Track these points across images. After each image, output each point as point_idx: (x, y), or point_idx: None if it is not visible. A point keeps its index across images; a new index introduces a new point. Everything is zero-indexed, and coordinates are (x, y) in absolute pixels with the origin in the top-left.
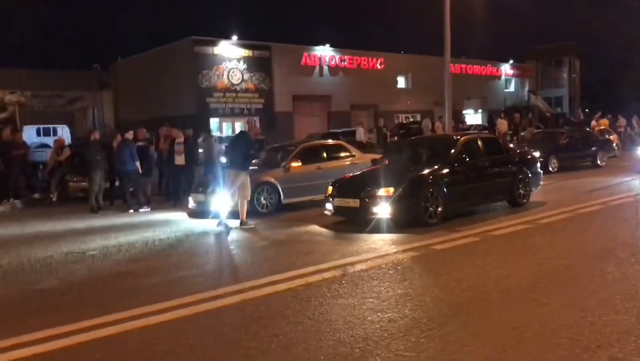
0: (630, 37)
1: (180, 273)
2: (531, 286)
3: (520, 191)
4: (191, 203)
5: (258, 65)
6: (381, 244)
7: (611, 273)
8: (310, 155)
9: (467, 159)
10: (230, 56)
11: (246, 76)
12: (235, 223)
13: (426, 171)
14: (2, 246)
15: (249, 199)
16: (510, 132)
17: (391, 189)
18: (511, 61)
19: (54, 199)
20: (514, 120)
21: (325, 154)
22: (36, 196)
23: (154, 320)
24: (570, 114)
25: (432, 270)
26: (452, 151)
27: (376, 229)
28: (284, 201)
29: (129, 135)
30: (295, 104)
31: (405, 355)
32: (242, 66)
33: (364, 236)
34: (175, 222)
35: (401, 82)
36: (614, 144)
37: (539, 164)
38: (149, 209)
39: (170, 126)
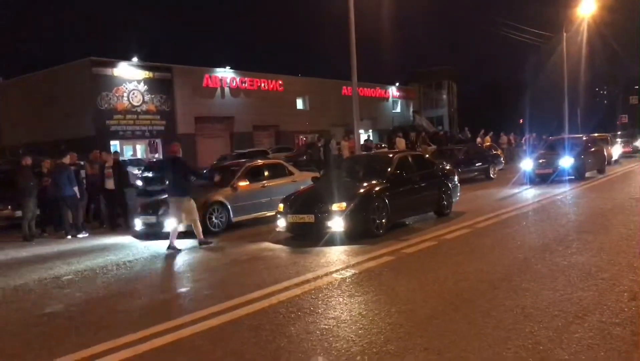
0: (497, 63)
1: (164, 296)
2: (504, 277)
3: (444, 202)
4: (139, 226)
5: (159, 86)
6: (341, 255)
7: (560, 262)
8: (254, 174)
9: (403, 174)
10: (130, 77)
11: (147, 98)
12: (189, 243)
13: (371, 186)
14: None
15: (198, 219)
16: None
17: (344, 204)
18: (397, 84)
19: None
20: (410, 138)
21: (267, 173)
22: None
23: (167, 339)
24: (459, 132)
25: (406, 273)
26: (390, 167)
27: (331, 242)
28: (233, 219)
29: (66, 160)
30: (197, 126)
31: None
32: (142, 87)
33: (323, 249)
34: (127, 245)
35: (299, 103)
36: (501, 158)
37: (457, 177)
38: (87, 234)
39: (66, 149)
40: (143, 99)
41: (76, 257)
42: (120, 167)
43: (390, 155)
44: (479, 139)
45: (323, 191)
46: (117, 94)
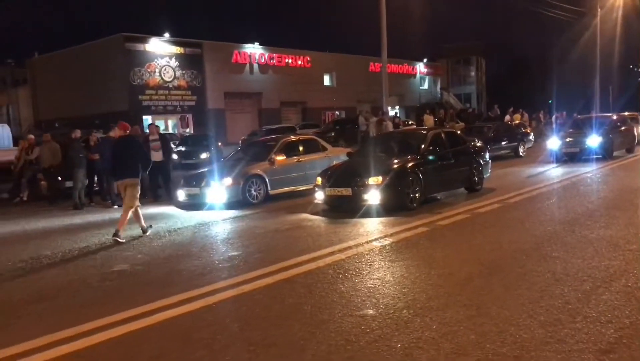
0: (526, 40)
1: (218, 257)
2: (535, 247)
3: (476, 178)
4: (182, 197)
5: (190, 62)
6: (379, 226)
7: (588, 235)
8: (289, 149)
9: (436, 151)
10: (162, 53)
11: (178, 73)
12: (233, 213)
13: (406, 162)
14: (46, 237)
15: (134, 208)
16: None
17: (380, 178)
18: (425, 60)
19: (24, 198)
20: (439, 115)
21: (302, 148)
22: (5, 195)
23: (229, 294)
24: (489, 110)
25: (442, 242)
26: (424, 144)
27: (367, 214)
28: (270, 191)
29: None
30: (226, 101)
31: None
32: (174, 63)
33: (360, 220)
34: (172, 215)
35: (327, 79)
36: (531, 137)
37: (488, 154)
38: None
39: (101, 124)
40: (174, 74)
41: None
42: (165, 140)
43: (424, 132)
44: (507, 117)
45: (359, 166)
46: (149, 70)
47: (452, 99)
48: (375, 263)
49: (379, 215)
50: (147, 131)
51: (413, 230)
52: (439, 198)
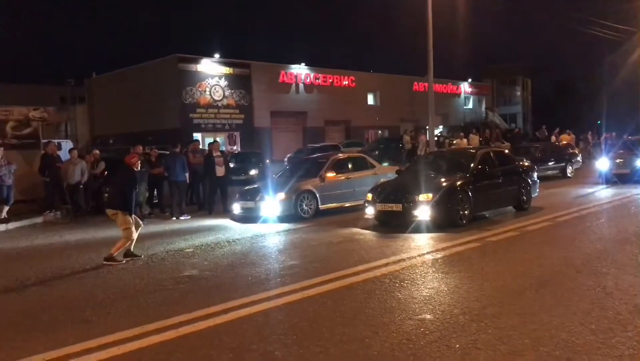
0: (573, 60)
1: (279, 265)
2: (586, 263)
3: (524, 197)
4: (237, 210)
5: (238, 82)
6: (429, 241)
7: (638, 253)
8: (339, 166)
9: (485, 169)
10: (212, 73)
11: (227, 93)
12: (285, 226)
13: (456, 180)
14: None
15: (132, 240)
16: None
17: (430, 195)
18: (469, 80)
19: (89, 210)
20: (484, 135)
21: (351, 165)
22: (69, 208)
23: (295, 297)
24: (537, 130)
25: (493, 256)
26: (473, 162)
27: (417, 230)
28: (321, 207)
29: (178, 149)
30: (273, 120)
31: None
32: (223, 82)
33: (411, 235)
34: (230, 227)
35: (370, 99)
36: (579, 157)
37: (536, 174)
38: (189, 217)
39: (154, 140)
40: (224, 93)
41: (189, 234)
42: (225, 156)
43: (474, 150)
44: (553, 137)
45: (409, 183)
46: (200, 89)
47: (497, 119)
48: (429, 274)
49: (428, 231)
50: (209, 147)
51: (464, 245)
52: (487, 216)
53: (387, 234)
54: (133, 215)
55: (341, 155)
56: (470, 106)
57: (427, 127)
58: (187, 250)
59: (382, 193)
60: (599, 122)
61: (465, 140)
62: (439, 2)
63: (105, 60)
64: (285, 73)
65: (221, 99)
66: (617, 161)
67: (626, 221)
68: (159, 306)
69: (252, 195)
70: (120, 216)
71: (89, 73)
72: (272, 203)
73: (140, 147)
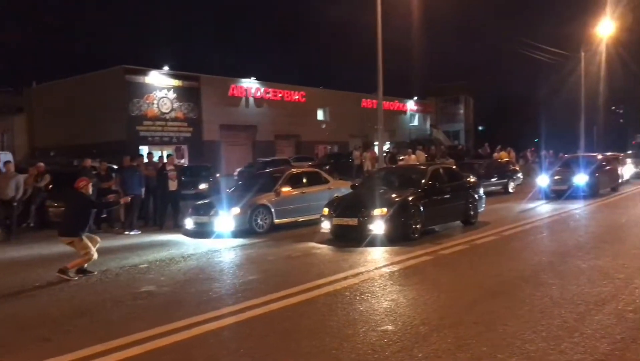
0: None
1: (239, 280)
2: (533, 275)
3: (472, 212)
4: (190, 225)
5: (187, 95)
6: (385, 254)
7: (580, 265)
8: (294, 181)
9: (436, 185)
10: (160, 85)
11: (175, 105)
12: (240, 241)
13: (408, 195)
14: (64, 261)
15: (90, 255)
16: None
17: (385, 210)
18: (415, 98)
19: (32, 224)
20: (430, 151)
21: (306, 180)
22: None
23: (259, 311)
24: (480, 148)
25: (446, 269)
26: (424, 178)
27: (372, 244)
28: (276, 221)
29: (137, 162)
30: (222, 133)
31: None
32: (171, 95)
33: (367, 249)
34: (182, 242)
35: (320, 114)
36: (519, 174)
37: (482, 190)
38: (139, 232)
39: (99, 152)
40: (172, 106)
41: (142, 250)
42: (179, 170)
43: (424, 166)
44: (495, 154)
45: (364, 198)
46: (147, 101)
47: (442, 136)
48: (387, 286)
49: (383, 245)
50: (165, 160)
51: (418, 258)
52: (436, 230)
53: (344, 248)
54: (86, 233)
55: (296, 170)
56: (415, 123)
57: (376, 143)
58: (142, 266)
59: (338, 207)
60: (536, 140)
61: (413, 156)
62: (387, 22)
63: (47, 69)
64: (235, 87)
65: (169, 112)
66: (556, 177)
67: (566, 235)
68: (119, 322)
69: (206, 210)
70: (77, 242)
71: (29, 82)
72: (226, 218)
73: (89, 161)
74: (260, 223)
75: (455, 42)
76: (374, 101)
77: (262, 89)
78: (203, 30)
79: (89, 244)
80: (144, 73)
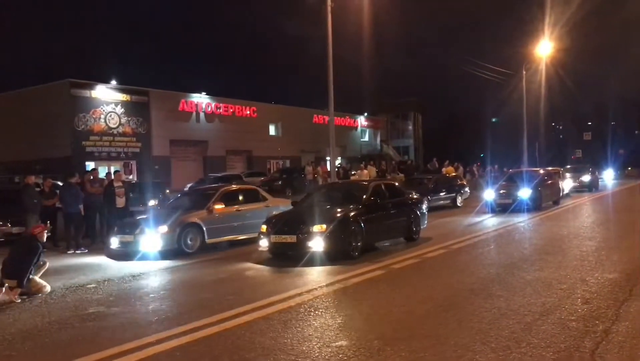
0: (461, 97)
1: (192, 298)
2: (482, 287)
3: (414, 228)
4: (115, 244)
5: (136, 109)
6: (321, 275)
7: (526, 276)
8: (229, 198)
9: (377, 201)
10: (108, 100)
11: (124, 120)
12: (173, 263)
13: (349, 211)
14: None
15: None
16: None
17: (324, 226)
18: (365, 114)
19: None
20: (381, 167)
21: (242, 197)
22: None
23: (214, 330)
24: (428, 163)
25: (395, 284)
26: (365, 194)
27: (311, 262)
28: (208, 240)
29: (75, 179)
30: (172, 148)
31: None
32: (119, 109)
33: (305, 269)
34: (101, 266)
35: (272, 129)
36: (467, 188)
37: (425, 205)
38: (86, 250)
39: (42, 168)
40: (120, 121)
41: (87, 269)
42: (127, 186)
43: (366, 183)
44: (443, 169)
45: (304, 214)
46: (94, 116)
47: (392, 151)
48: (341, 302)
49: (322, 263)
50: (112, 177)
51: (364, 275)
52: (377, 247)
53: (282, 267)
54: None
55: (232, 187)
56: (366, 138)
57: (328, 158)
58: (89, 286)
59: (277, 224)
60: (482, 155)
61: (365, 171)
62: (339, 38)
63: None
64: (186, 102)
65: (117, 127)
66: (501, 191)
67: (512, 247)
68: (67, 345)
69: (132, 228)
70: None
71: None
72: (153, 237)
73: (32, 178)
74: (190, 242)
75: (405, 60)
76: (326, 116)
77: (213, 104)
78: (153, 45)
79: (38, 280)
80: (90, 87)
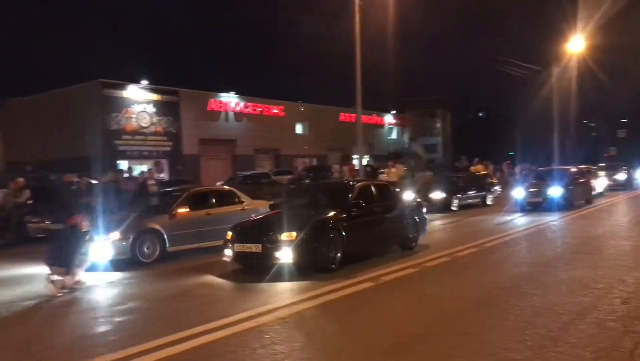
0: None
1: (156, 314)
2: (515, 286)
3: (410, 235)
4: None
5: (166, 109)
6: (287, 292)
7: (560, 275)
8: (198, 201)
9: (363, 205)
10: (139, 100)
11: (155, 119)
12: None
13: (326, 216)
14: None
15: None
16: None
17: (294, 234)
18: (393, 111)
19: (11, 240)
20: (409, 165)
21: (214, 200)
22: None
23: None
24: (457, 160)
25: (359, 307)
26: (350, 196)
27: (278, 277)
28: (169, 248)
29: (109, 177)
30: (201, 147)
31: None
32: (151, 109)
33: (266, 286)
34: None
35: (299, 128)
36: (497, 187)
37: (425, 210)
38: None
39: (73, 168)
40: (151, 120)
41: (23, 281)
42: (159, 184)
43: (351, 183)
44: (472, 167)
45: (276, 219)
46: (125, 115)
47: (420, 149)
48: (344, 312)
49: (292, 277)
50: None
51: (340, 291)
52: (363, 257)
53: (244, 282)
54: None
55: (201, 188)
56: (394, 136)
57: (354, 156)
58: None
59: (243, 231)
60: (511, 153)
61: (393, 169)
62: (365, 36)
63: (24, 84)
64: (215, 101)
65: (148, 126)
66: (531, 190)
67: (544, 246)
68: None
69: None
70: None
71: (5, 96)
72: (102, 244)
73: (69, 175)
74: (147, 251)
75: (433, 57)
76: (352, 114)
77: (242, 103)
78: (182, 45)
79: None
80: (122, 87)
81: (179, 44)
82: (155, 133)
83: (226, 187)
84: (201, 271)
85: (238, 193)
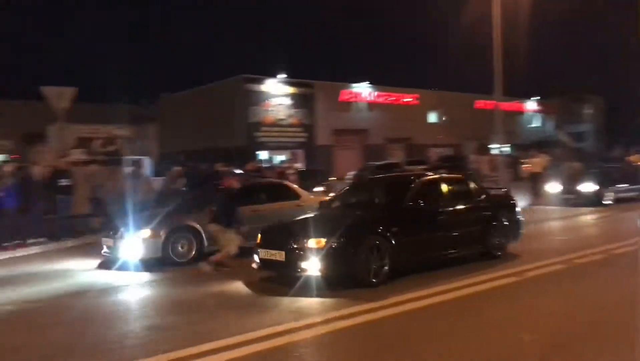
0: None
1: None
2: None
3: (495, 241)
4: (104, 248)
5: (302, 101)
6: (312, 310)
7: None
8: (244, 195)
9: (423, 205)
10: (276, 93)
11: (291, 112)
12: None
13: (366, 219)
14: None
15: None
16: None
17: (322, 240)
18: (535, 98)
19: None
20: (555, 154)
21: (264, 195)
22: None
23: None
24: (609, 150)
25: (404, 332)
26: (407, 194)
27: (305, 291)
28: (207, 248)
29: (251, 166)
30: (335, 138)
31: None
32: (287, 102)
33: (293, 299)
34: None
35: (432, 116)
36: None
37: (519, 209)
38: None
39: (221, 158)
40: (287, 112)
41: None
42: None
43: (412, 178)
44: (630, 157)
45: (309, 221)
46: (264, 108)
47: (566, 138)
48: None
49: (320, 293)
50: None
51: (379, 311)
52: (434, 267)
53: (268, 294)
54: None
55: (252, 182)
56: (537, 124)
57: (491, 145)
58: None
59: (270, 233)
60: None
61: (537, 159)
62: (503, 19)
63: (175, 81)
64: (347, 92)
65: (285, 118)
66: None
67: None
68: None
69: (116, 229)
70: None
71: (161, 93)
72: (132, 242)
73: (220, 165)
74: (182, 250)
75: (580, 37)
76: (488, 102)
77: (374, 93)
78: (317, 38)
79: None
80: (261, 82)
81: (313, 37)
82: (292, 125)
83: (279, 180)
84: (231, 276)
85: (294, 187)
